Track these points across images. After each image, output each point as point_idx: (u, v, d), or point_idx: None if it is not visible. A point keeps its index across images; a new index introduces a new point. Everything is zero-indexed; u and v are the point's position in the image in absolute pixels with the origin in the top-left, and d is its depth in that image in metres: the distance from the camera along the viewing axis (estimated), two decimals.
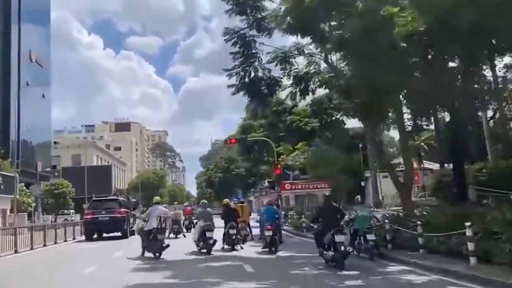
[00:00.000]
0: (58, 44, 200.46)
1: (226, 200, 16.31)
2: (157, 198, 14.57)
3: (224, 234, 14.51)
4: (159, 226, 12.93)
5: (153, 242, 12.78)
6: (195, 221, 16.67)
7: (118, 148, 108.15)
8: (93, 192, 60.02)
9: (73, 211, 49.24)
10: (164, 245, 12.75)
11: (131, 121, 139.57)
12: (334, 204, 11.90)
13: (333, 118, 39.91)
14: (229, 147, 66.75)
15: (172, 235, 19.90)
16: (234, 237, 14.11)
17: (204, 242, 13.30)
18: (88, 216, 22.01)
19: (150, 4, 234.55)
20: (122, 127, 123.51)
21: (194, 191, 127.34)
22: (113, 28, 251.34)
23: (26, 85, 45.77)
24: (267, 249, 13.55)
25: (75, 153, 68.68)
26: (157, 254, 12.60)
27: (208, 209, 15.46)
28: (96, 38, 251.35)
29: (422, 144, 41.54)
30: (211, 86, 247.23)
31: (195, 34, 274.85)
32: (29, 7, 54.90)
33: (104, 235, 22.66)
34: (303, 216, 22.00)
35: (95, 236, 22.28)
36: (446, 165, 29.81)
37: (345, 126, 41.58)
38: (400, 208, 16.05)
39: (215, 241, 13.38)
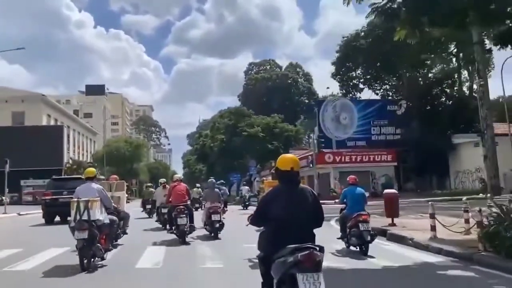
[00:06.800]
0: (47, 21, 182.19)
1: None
2: (90, 169, 8.48)
3: None
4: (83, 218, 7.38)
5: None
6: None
7: (89, 115, 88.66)
8: (33, 163, 42.67)
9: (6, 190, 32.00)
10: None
11: (110, 91, 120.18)
12: None
13: None
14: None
15: None
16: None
17: (210, 225, 12.27)
18: (47, 197, 19.70)
19: None
20: (94, 89, 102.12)
21: (180, 172, 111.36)
22: (105, 6, 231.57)
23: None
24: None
25: (17, 110, 50.41)
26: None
27: (217, 190, 13.36)
28: (87, 15, 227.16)
29: None
30: (203, 68, 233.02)
31: (190, 15, 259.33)
32: None
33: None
34: None
35: (57, 219, 19.47)
36: None
37: None
38: None
39: (222, 224, 12.20)
